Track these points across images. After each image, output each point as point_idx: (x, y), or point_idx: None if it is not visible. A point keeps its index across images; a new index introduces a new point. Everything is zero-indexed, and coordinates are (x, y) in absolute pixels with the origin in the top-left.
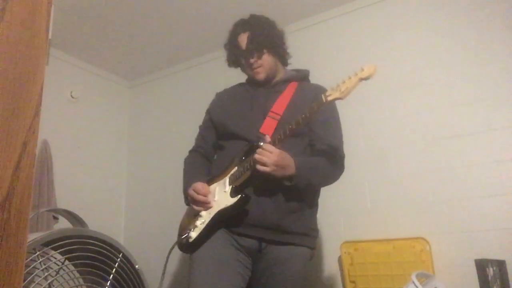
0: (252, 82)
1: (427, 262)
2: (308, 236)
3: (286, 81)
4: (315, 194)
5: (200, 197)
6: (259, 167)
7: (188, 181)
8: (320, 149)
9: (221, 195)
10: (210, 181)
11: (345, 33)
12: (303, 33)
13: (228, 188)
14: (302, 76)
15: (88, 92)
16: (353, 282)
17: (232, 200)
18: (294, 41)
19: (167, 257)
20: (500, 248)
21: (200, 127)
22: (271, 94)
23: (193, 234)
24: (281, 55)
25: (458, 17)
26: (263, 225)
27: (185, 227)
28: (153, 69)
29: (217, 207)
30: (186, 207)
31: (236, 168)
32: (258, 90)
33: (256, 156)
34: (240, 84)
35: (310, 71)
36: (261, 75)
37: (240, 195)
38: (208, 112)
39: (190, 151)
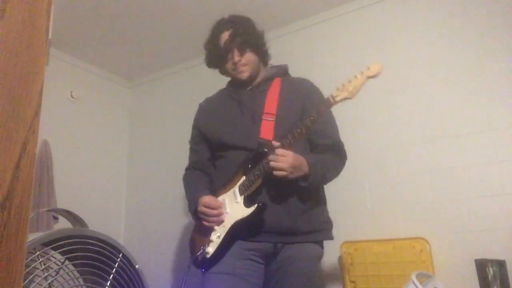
0: (234, 85)
1: (427, 262)
2: (320, 231)
3: (269, 79)
4: (321, 189)
5: (214, 212)
6: (276, 173)
7: (193, 197)
8: (322, 144)
9: (233, 207)
10: (214, 194)
11: (345, 33)
12: (303, 33)
13: (240, 199)
14: (283, 72)
15: (88, 92)
16: (353, 282)
17: (248, 210)
18: (293, 41)
19: (184, 279)
20: (500, 248)
21: (190, 143)
22: (258, 95)
23: (210, 250)
24: (262, 55)
25: (458, 17)
26: (277, 230)
27: (198, 243)
28: (153, 69)
29: (231, 219)
30: (186, 208)
31: (244, 177)
32: (243, 92)
33: (272, 163)
34: (222, 90)
35: (309, 70)
36: (245, 73)
37: (257, 204)
38: (196, 127)
39: (187, 169)
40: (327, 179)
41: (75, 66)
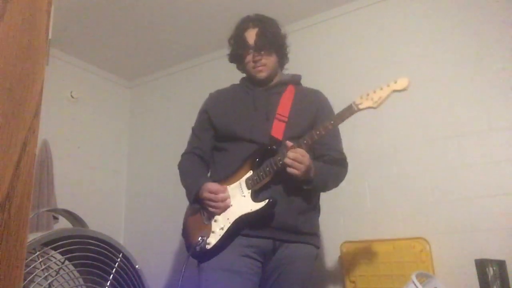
0: (249, 82)
1: (427, 262)
2: (316, 235)
3: (284, 83)
4: (319, 195)
5: (220, 196)
6: (291, 170)
7: (195, 181)
8: (328, 155)
9: (239, 200)
10: None
11: (345, 33)
12: (303, 33)
13: (247, 193)
14: (296, 80)
15: (88, 92)
16: (353, 282)
17: (258, 205)
18: (294, 41)
19: (183, 270)
20: (500, 248)
21: (194, 128)
22: (272, 96)
23: (212, 240)
24: (282, 58)
25: (458, 17)
26: (277, 226)
27: (194, 234)
28: (153, 69)
29: (237, 212)
30: (186, 208)
31: (251, 172)
32: (257, 90)
33: (287, 160)
34: (236, 85)
35: (310, 71)
36: (263, 73)
37: (268, 200)
38: (206, 112)
39: (185, 154)
40: (327, 187)
41: (75, 66)
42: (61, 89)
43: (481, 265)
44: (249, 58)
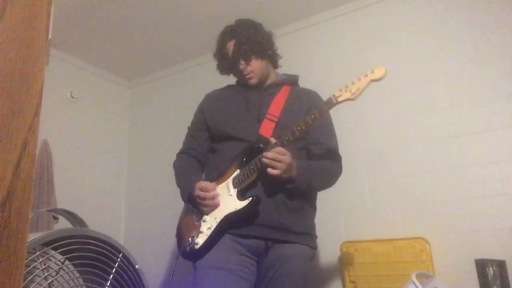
0: (244, 84)
1: (427, 262)
2: (311, 236)
3: (279, 84)
4: (314, 195)
5: (209, 194)
6: (271, 171)
7: (189, 180)
8: (319, 154)
9: (226, 199)
10: None
11: (345, 34)
12: (303, 33)
13: (234, 192)
14: (293, 81)
15: (88, 92)
16: (353, 282)
17: (242, 203)
18: (294, 41)
19: (173, 269)
20: (500, 248)
21: (190, 128)
22: (265, 97)
23: (200, 240)
24: (271, 58)
25: (458, 17)
26: (267, 224)
27: (186, 234)
28: (153, 69)
29: (223, 212)
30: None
31: (238, 171)
32: (251, 92)
33: (265, 160)
34: (231, 86)
35: (309, 70)
36: (253, 80)
37: (251, 198)
38: (201, 112)
39: (180, 154)
40: (314, 187)
41: (75, 66)
42: (61, 89)
43: (481, 265)
44: (236, 69)
